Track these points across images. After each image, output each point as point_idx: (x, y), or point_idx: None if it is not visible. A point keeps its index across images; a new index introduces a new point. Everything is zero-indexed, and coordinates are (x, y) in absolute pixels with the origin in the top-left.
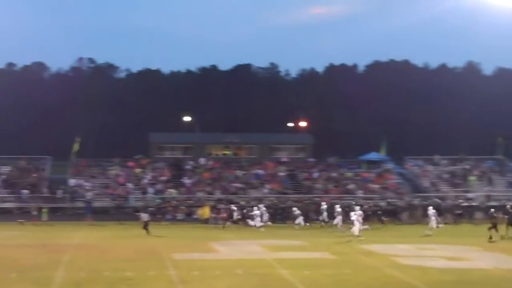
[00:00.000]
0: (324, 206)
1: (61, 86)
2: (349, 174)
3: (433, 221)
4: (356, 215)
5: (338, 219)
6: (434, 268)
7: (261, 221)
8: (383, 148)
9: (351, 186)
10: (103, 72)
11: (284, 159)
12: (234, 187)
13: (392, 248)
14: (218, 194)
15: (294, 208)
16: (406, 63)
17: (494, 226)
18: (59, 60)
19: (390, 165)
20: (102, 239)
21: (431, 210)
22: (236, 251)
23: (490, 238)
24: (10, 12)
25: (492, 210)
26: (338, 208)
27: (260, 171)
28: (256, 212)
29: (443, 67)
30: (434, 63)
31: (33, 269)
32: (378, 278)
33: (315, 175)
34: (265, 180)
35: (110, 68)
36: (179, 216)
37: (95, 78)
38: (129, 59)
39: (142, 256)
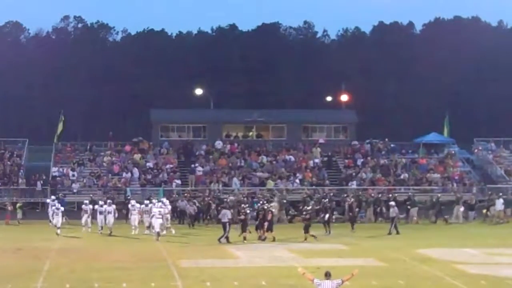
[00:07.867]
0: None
1: (41, 51)
2: (403, 161)
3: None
4: None
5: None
6: (509, 278)
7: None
8: (445, 127)
9: (404, 176)
10: (93, 34)
11: (321, 141)
12: (257, 177)
13: (454, 252)
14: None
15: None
16: (475, 21)
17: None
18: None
19: (454, 149)
20: (90, 242)
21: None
22: (259, 257)
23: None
24: None
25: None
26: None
27: (291, 157)
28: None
29: None
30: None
31: (5, 280)
32: None
33: (360, 162)
34: (296, 168)
35: (102, 28)
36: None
37: (83, 41)
38: (126, 18)
39: (141, 263)
